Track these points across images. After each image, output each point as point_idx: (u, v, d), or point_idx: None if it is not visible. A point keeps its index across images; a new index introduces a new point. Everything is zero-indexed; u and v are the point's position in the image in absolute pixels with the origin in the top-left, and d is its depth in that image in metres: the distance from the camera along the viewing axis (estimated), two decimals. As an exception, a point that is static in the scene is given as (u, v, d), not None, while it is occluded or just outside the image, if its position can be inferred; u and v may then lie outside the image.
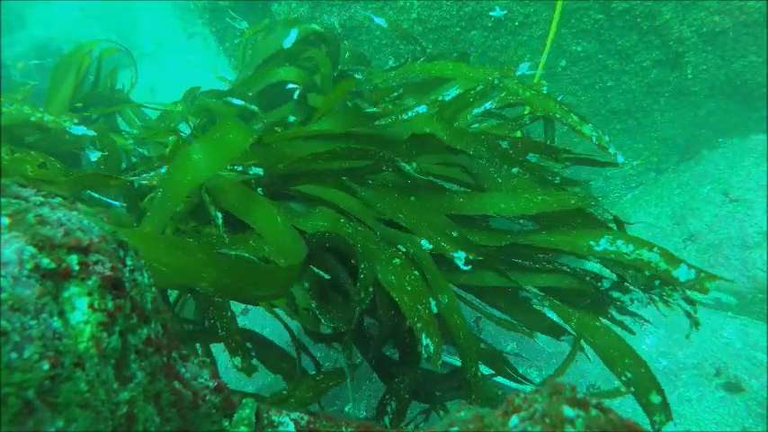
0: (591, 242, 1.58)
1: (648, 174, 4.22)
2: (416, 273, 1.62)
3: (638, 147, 4.07)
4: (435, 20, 3.45)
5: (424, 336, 1.51)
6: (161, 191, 1.63)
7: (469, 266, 1.63)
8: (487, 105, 2.02)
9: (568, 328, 1.73)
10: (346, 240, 1.66)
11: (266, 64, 2.54)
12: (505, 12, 3.38)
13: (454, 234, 1.65)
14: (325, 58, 2.46)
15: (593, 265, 1.71)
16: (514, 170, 1.77)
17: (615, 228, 1.75)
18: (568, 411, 0.64)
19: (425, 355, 1.50)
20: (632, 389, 1.58)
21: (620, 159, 1.93)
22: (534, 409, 0.66)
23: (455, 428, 0.72)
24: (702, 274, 1.51)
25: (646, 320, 1.81)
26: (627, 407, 2.67)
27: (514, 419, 0.67)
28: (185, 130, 2.43)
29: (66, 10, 9.18)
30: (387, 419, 1.81)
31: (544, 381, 2.18)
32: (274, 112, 2.42)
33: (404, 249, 1.68)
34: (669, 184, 4.06)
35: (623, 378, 1.59)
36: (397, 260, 1.65)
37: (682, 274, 1.52)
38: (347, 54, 2.68)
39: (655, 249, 1.54)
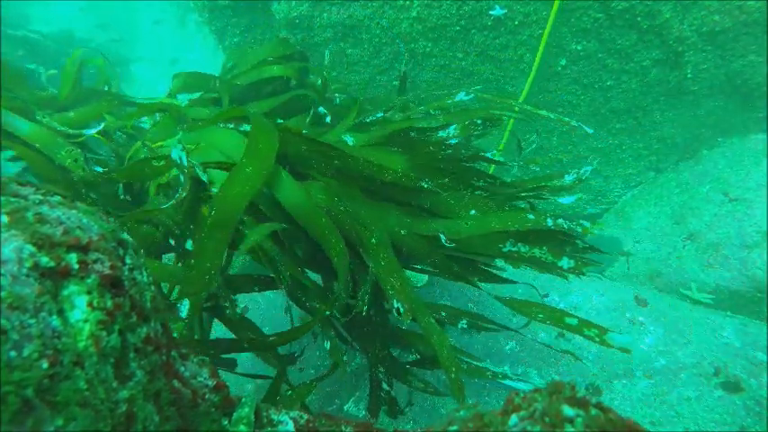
0: (500, 245, 2.10)
1: (648, 173, 4.22)
2: (386, 252, 1.99)
3: (638, 146, 4.07)
4: (435, 18, 3.45)
5: (395, 300, 1.90)
6: (215, 210, 1.76)
7: (453, 244, 2.04)
8: (451, 130, 2.40)
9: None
10: (349, 221, 1.95)
11: (260, 63, 2.94)
12: (505, 11, 3.38)
13: (403, 232, 2.11)
14: (322, 72, 2.94)
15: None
16: (477, 192, 2.18)
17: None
18: (568, 410, 0.64)
19: (396, 315, 1.89)
20: (549, 323, 2.09)
21: (590, 131, 2.42)
22: (534, 409, 0.66)
23: (454, 427, 0.72)
24: (580, 263, 2.07)
25: (595, 262, 2.16)
26: (626, 406, 2.67)
27: (514, 418, 0.67)
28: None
29: (66, 10, 9.18)
30: (384, 384, 2.19)
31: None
32: (263, 103, 2.75)
33: (374, 240, 2.01)
34: (668, 183, 4.06)
35: (538, 318, 2.11)
36: (374, 240, 1.98)
37: (564, 263, 2.07)
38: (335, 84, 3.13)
39: (544, 248, 2.06)
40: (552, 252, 2.05)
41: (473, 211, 2.07)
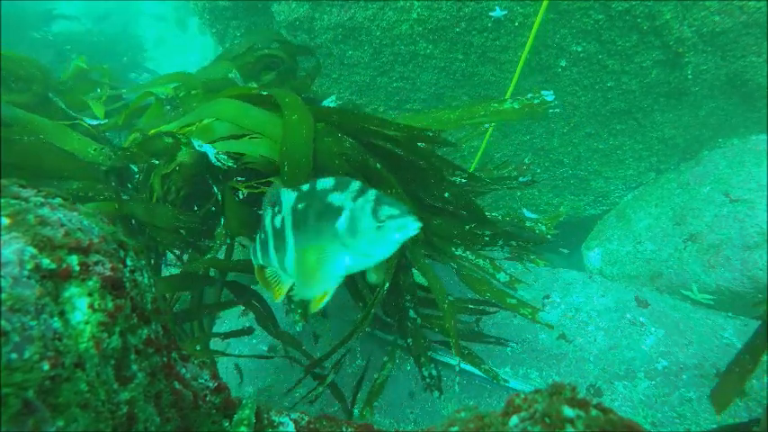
0: (453, 249, 2.33)
1: (648, 174, 4.22)
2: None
3: (639, 147, 4.07)
4: (435, 20, 3.45)
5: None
6: (287, 164, 1.90)
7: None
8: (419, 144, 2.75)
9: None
10: (358, 156, 2.14)
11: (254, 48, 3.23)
12: (505, 12, 3.38)
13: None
14: (318, 66, 3.25)
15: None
16: (456, 179, 2.42)
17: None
18: (568, 411, 0.64)
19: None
20: (494, 300, 2.36)
21: (550, 98, 2.63)
22: (534, 410, 0.66)
23: (455, 428, 0.72)
24: (513, 278, 2.39)
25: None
26: (627, 408, 2.67)
27: (515, 419, 0.67)
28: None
29: (65, 11, 9.19)
30: (412, 312, 2.39)
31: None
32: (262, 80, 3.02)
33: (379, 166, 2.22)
34: (669, 184, 4.05)
35: (487, 296, 2.37)
36: (378, 166, 2.19)
37: (501, 277, 2.37)
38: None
39: (487, 260, 2.37)
40: (493, 266, 2.37)
41: (447, 194, 2.31)
